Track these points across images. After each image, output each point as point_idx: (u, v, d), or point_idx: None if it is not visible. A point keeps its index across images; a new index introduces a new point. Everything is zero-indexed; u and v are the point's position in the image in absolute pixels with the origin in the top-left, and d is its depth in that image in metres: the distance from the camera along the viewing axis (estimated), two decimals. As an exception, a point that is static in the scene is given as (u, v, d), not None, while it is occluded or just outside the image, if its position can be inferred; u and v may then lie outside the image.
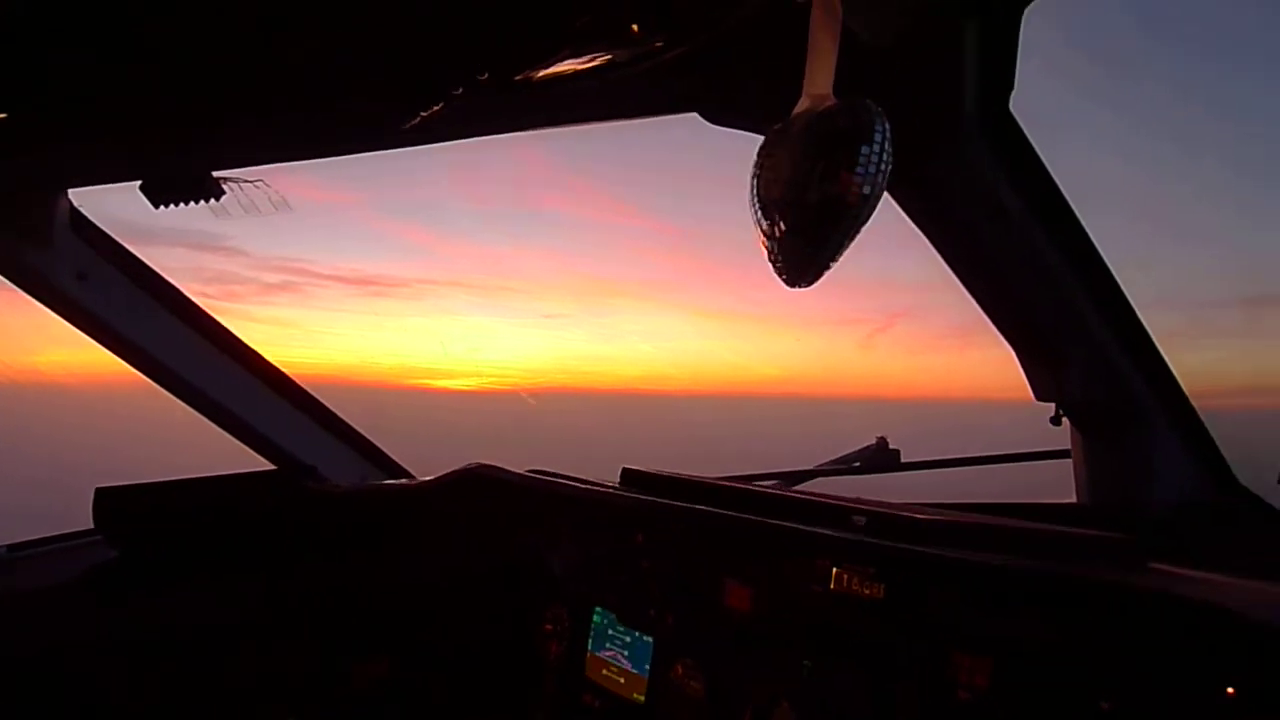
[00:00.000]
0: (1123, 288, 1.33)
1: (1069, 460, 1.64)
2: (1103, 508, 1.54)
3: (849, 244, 0.73)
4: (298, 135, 1.28)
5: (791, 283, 0.77)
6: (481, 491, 1.68)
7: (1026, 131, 1.16)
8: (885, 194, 0.81)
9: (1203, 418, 1.51)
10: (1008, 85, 1.08)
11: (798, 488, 1.90)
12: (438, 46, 0.94)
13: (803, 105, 0.78)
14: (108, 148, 1.30)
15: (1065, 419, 1.53)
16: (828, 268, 0.75)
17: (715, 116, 1.22)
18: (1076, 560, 1.11)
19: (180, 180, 1.44)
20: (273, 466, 1.87)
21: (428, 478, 1.80)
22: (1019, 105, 1.13)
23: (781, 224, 0.75)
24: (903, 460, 1.91)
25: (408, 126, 1.07)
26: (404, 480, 1.91)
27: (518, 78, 0.98)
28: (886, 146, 0.72)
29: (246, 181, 1.49)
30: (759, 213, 0.78)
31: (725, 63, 1.12)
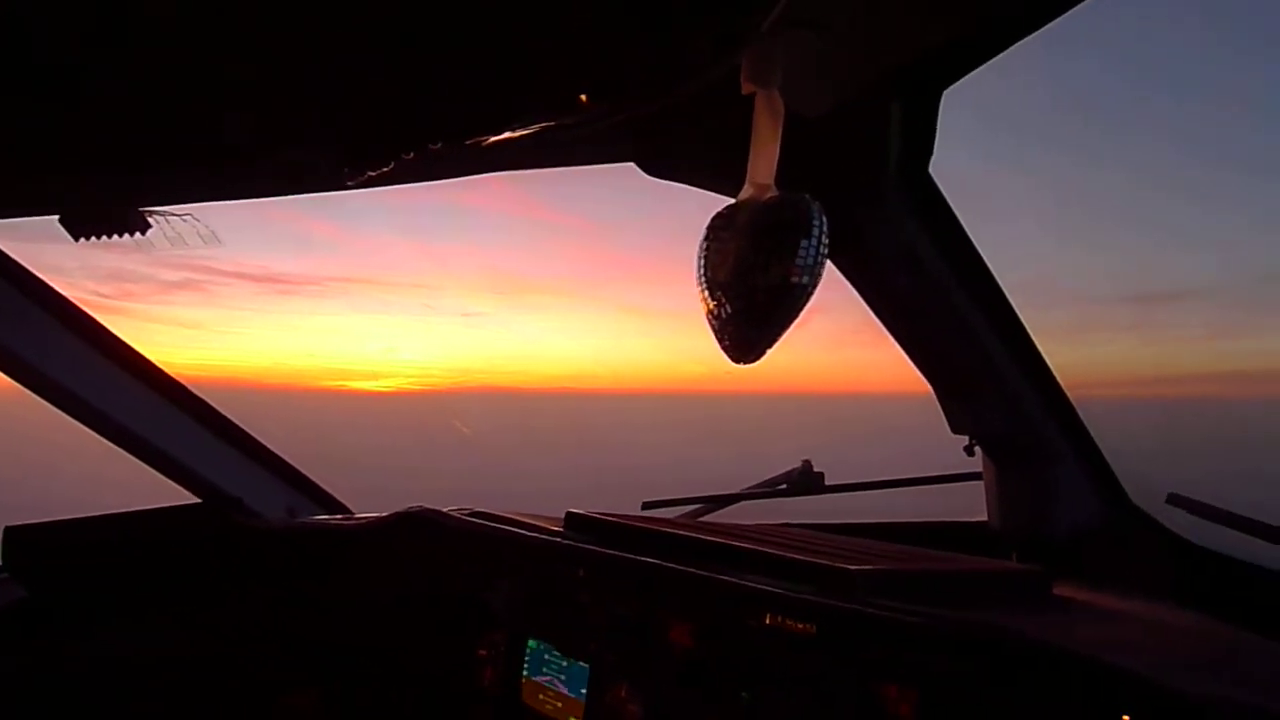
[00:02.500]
0: (1030, 333, 1.43)
1: (980, 482, 1.74)
2: (1011, 530, 1.65)
3: (790, 325, 0.79)
4: (233, 180, 1.27)
5: (737, 359, 0.83)
6: (419, 533, 1.68)
7: (945, 193, 1.24)
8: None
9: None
10: (927, 153, 1.16)
11: (721, 515, 1.96)
12: (390, 115, 0.95)
13: (746, 193, 0.83)
14: (24, 182, 1.25)
15: (978, 448, 1.63)
16: (771, 346, 0.81)
17: (653, 170, 1.27)
18: (991, 595, 1.20)
19: (103, 215, 1.39)
20: (196, 499, 1.82)
21: (363, 515, 1.78)
22: (938, 170, 1.22)
23: (728, 306, 0.81)
24: (826, 483, 1.99)
25: (355, 182, 1.08)
26: (339, 517, 1.88)
27: (469, 142, 1.00)
28: (823, 239, 0.78)
29: (174, 215, 1.45)
30: (706, 292, 0.83)
31: (666, 125, 1.16)
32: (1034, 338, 1.45)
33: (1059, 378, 1.52)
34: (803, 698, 1.16)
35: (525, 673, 1.53)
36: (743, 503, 2.08)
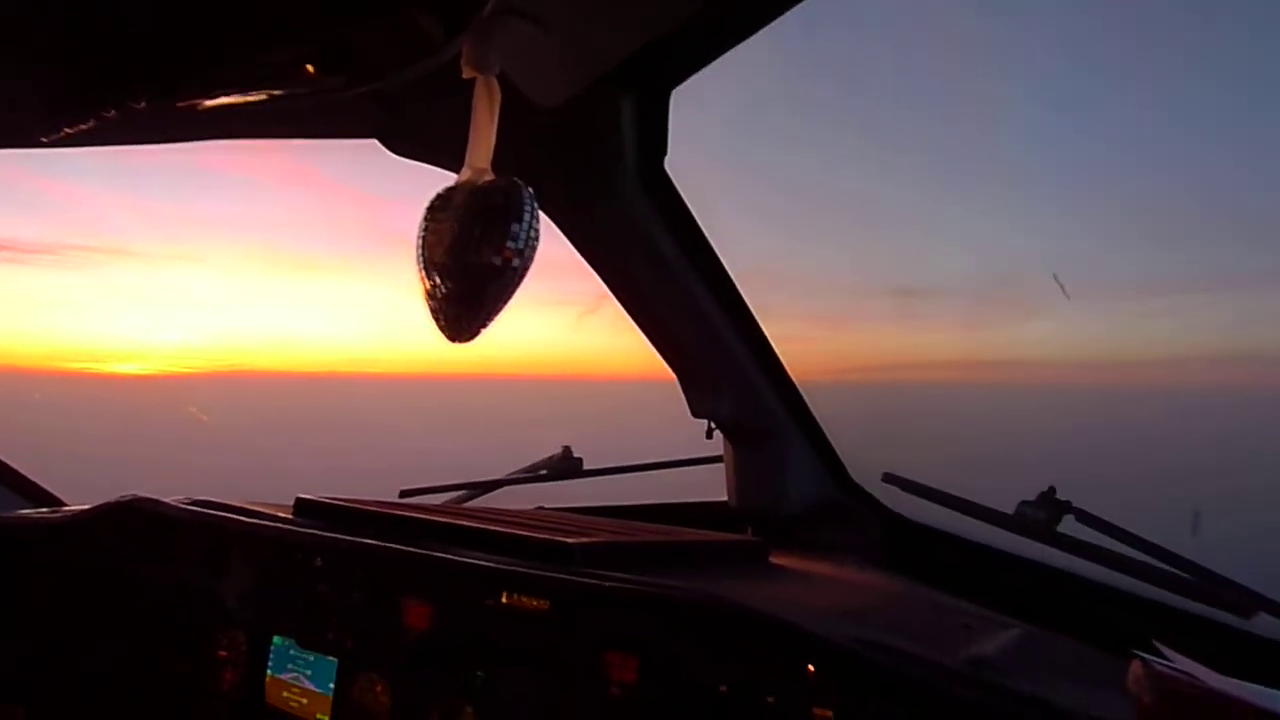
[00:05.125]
0: (760, 322, 1.56)
1: (722, 465, 1.87)
2: (747, 508, 1.79)
3: (503, 307, 0.82)
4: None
5: (452, 338, 0.84)
6: (136, 524, 1.54)
7: (679, 187, 1.33)
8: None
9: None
10: (662, 149, 1.23)
11: (481, 500, 1.98)
12: (87, 67, 0.87)
13: (464, 176, 0.85)
14: None
15: (717, 432, 1.75)
16: (485, 326, 0.84)
17: (395, 148, 1.25)
18: (710, 564, 1.29)
19: None
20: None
21: (74, 507, 1.61)
22: (674, 165, 1.30)
23: (443, 286, 0.82)
24: (585, 468, 2.05)
25: (49, 139, 0.98)
26: (42, 510, 1.69)
27: (180, 104, 0.94)
28: (534, 223, 0.81)
29: None
30: (423, 272, 0.84)
31: (405, 102, 1.15)
32: (762, 324, 1.57)
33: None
34: (535, 672, 1.19)
35: (269, 671, 1.46)
36: (505, 488, 2.10)
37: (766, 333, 1.59)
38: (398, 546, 1.31)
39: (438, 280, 0.83)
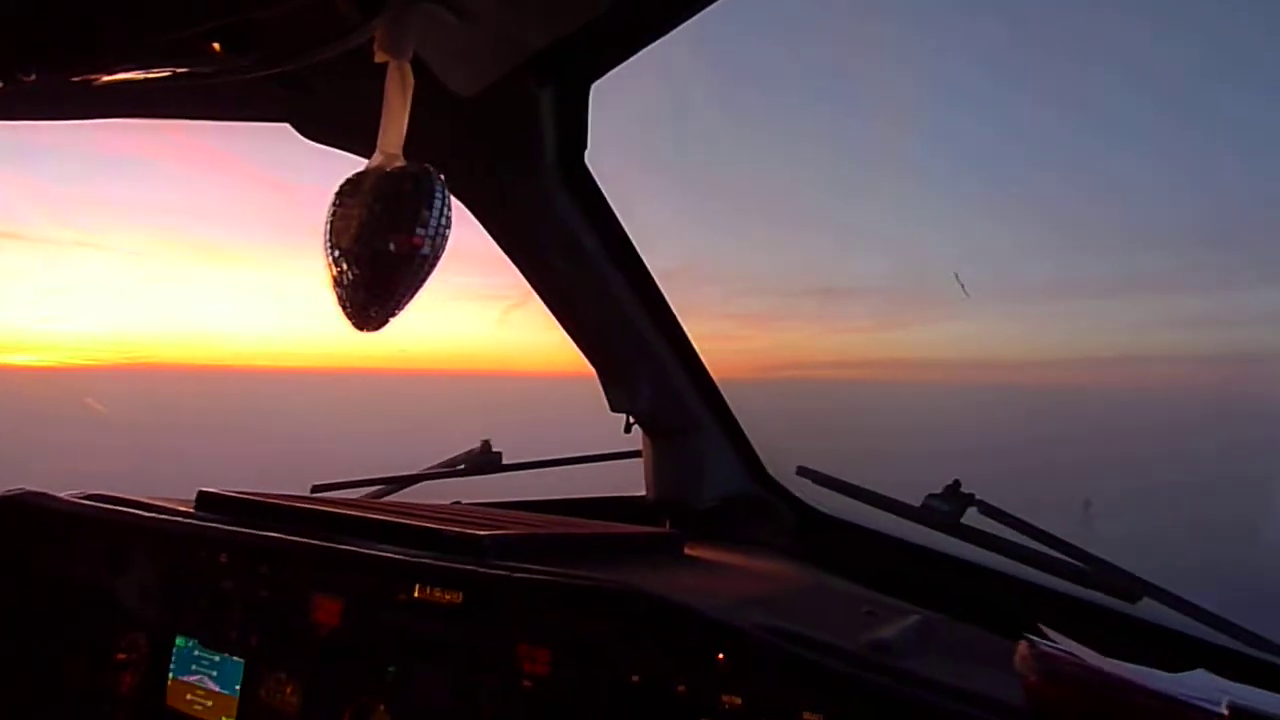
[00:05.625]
0: (679, 319, 1.57)
1: (641, 460, 1.88)
2: (665, 502, 1.80)
3: (413, 296, 0.81)
4: None
5: (358, 326, 0.83)
6: (25, 520, 1.47)
7: (601, 183, 1.33)
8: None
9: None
10: (582, 143, 1.23)
11: (398, 495, 1.94)
12: None
13: (375, 161, 0.83)
14: None
15: (636, 426, 1.76)
16: (393, 315, 0.82)
17: (308, 132, 1.22)
18: (624, 556, 1.30)
19: None
20: None
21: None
22: (596, 160, 1.30)
23: (350, 272, 0.80)
24: (504, 462, 2.04)
25: None
26: None
27: (75, 80, 0.90)
28: (446, 210, 0.80)
29: None
30: (330, 258, 0.82)
31: (318, 85, 1.12)
32: (682, 322, 1.59)
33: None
34: (447, 666, 1.18)
35: (172, 673, 1.40)
36: (422, 484, 2.07)
37: (686, 329, 1.61)
38: (306, 540, 1.28)
39: (345, 267, 0.81)
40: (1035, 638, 0.91)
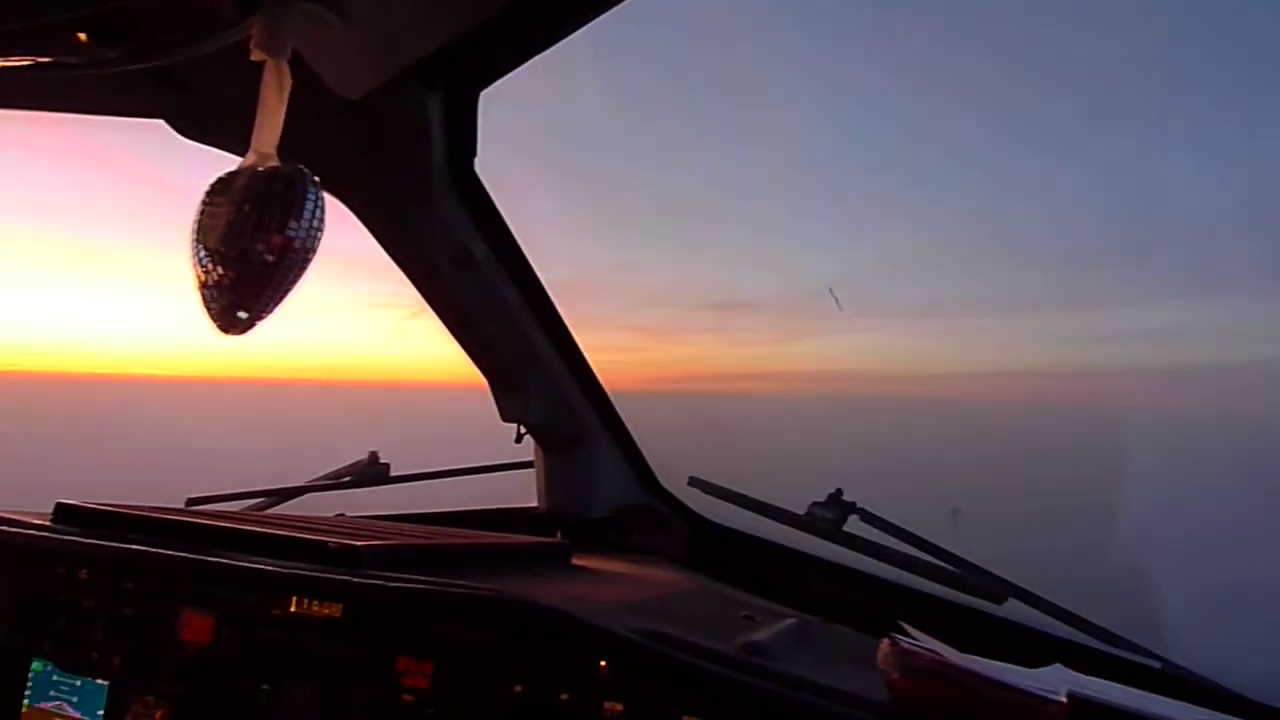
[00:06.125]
0: (570, 329, 1.58)
1: (534, 470, 1.87)
2: (556, 513, 1.80)
3: (281, 299, 0.79)
4: None
5: (223, 329, 0.80)
6: None
7: (491, 191, 1.32)
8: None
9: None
10: (471, 150, 1.23)
11: (281, 508, 1.88)
12: None
13: (249, 160, 0.81)
14: None
15: (528, 437, 1.76)
16: (261, 319, 0.80)
17: (185, 130, 1.17)
18: (509, 566, 1.29)
19: None
20: None
21: None
22: (489, 168, 1.30)
23: (216, 272, 0.78)
24: (393, 474, 2.00)
25: None
26: None
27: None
28: (319, 213, 0.79)
29: None
30: (196, 258, 0.79)
31: (194, 81, 1.08)
32: (576, 333, 1.60)
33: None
34: (325, 681, 1.15)
35: (27, 701, 1.31)
36: (307, 496, 2.01)
37: (583, 340, 1.62)
38: (172, 553, 1.22)
39: (211, 267, 0.78)
40: (899, 636, 0.95)
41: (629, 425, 1.84)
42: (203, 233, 0.79)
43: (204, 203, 0.81)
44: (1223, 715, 0.96)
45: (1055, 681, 0.92)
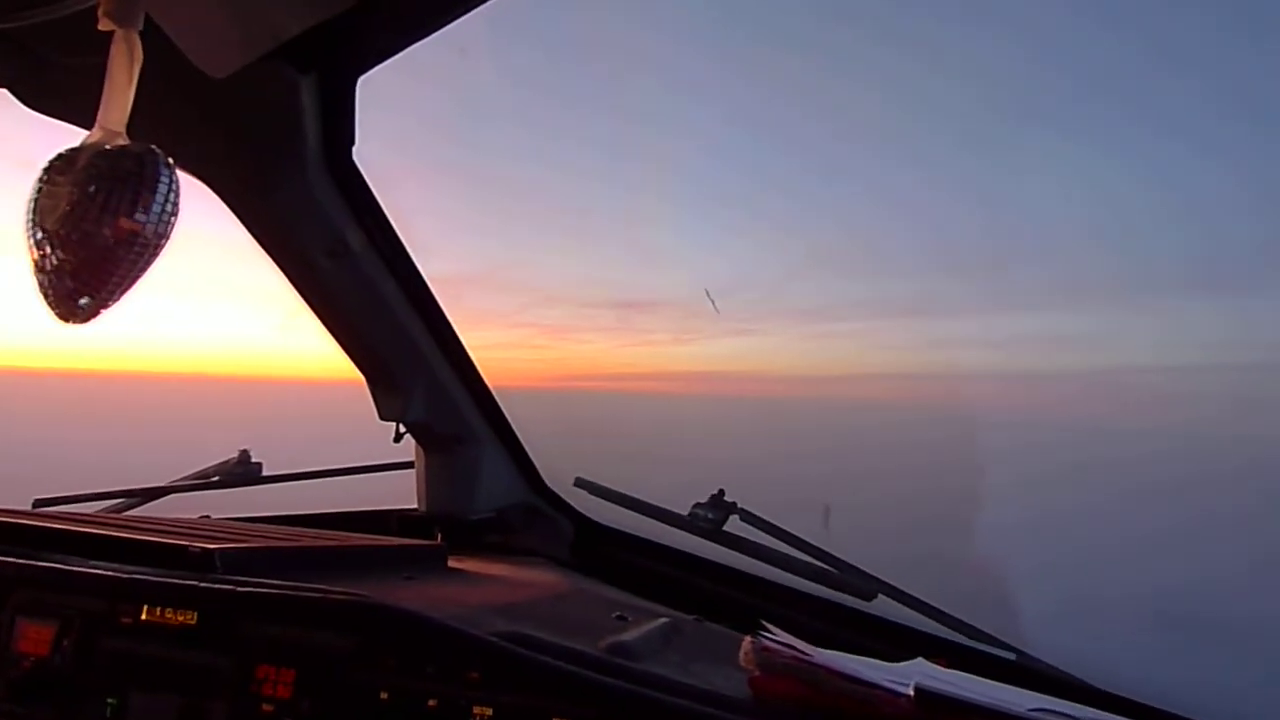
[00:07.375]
0: (454, 325, 1.54)
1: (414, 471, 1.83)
2: (437, 514, 1.76)
3: (130, 287, 0.73)
4: None
5: (63, 318, 0.74)
6: None
7: (376, 182, 1.28)
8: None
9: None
10: (349, 138, 1.18)
11: (141, 510, 1.77)
12: None
13: (94, 136, 0.75)
14: None
15: (408, 436, 1.71)
16: (106, 306, 0.74)
17: (31, 102, 1.08)
18: (379, 569, 1.26)
19: None
20: None
21: None
22: (369, 157, 1.26)
23: (53, 257, 0.72)
24: (265, 474, 1.91)
25: None
26: None
27: None
28: (172, 196, 0.74)
29: None
30: (33, 241, 0.73)
31: (41, 48, 1.00)
32: (461, 335, 1.57)
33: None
34: (178, 693, 1.08)
35: None
36: (171, 497, 1.89)
37: (471, 337, 1.59)
38: (5, 559, 1.12)
39: (48, 250, 0.72)
40: (761, 634, 0.98)
41: (517, 425, 1.82)
42: (40, 213, 0.73)
43: (41, 180, 0.75)
44: (1064, 701, 1.02)
45: (913, 675, 0.96)
